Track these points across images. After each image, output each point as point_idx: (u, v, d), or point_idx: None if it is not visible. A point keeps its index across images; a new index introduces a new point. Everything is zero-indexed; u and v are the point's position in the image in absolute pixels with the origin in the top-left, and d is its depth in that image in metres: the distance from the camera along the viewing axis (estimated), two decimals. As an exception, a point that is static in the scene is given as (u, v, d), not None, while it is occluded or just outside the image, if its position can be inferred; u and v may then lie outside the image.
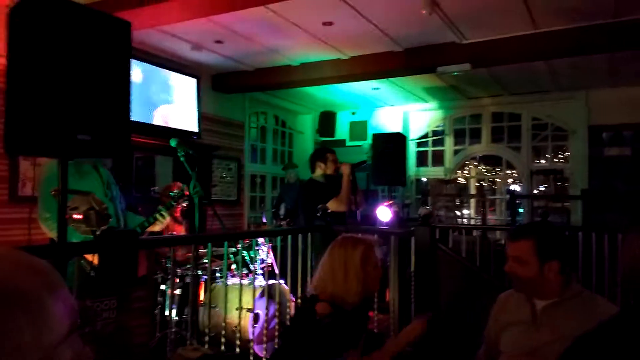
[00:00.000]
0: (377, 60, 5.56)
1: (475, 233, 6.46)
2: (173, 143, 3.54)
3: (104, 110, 2.05)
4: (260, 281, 4.16)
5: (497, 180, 9.73)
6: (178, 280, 3.99)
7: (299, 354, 2.01)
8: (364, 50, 5.45)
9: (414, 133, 8.50)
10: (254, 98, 7.43)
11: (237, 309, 3.25)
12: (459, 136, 8.35)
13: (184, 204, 3.62)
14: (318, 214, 3.50)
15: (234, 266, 4.40)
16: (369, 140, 6.88)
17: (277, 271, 4.44)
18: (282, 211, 6.98)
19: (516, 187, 9.25)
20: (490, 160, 9.84)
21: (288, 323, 3.82)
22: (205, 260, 4.13)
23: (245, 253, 4.37)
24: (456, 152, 8.32)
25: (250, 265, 4.35)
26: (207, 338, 2.76)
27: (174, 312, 3.80)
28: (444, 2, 4.14)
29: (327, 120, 8.71)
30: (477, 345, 2.23)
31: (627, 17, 4.32)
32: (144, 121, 5.19)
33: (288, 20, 4.55)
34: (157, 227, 3.29)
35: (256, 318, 3.86)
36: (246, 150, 7.31)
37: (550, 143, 7.69)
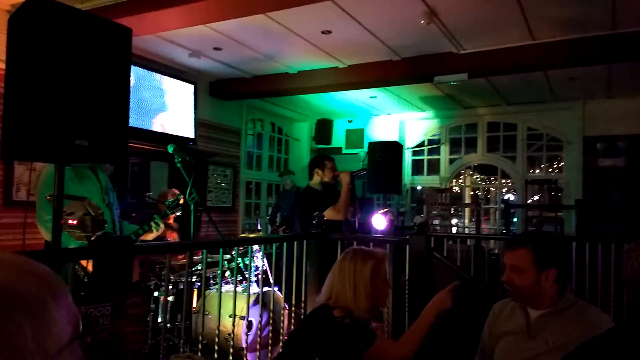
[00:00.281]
0: (374, 69, 5.59)
1: (469, 242, 6.47)
2: (170, 149, 3.53)
3: (102, 115, 2.05)
4: (253, 288, 4.15)
5: (492, 189, 9.77)
6: (171, 287, 3.97)
7: (321, 351, 2.03)
8: (362, 58, 5.47)
9: (410, 141, 8.53)
10: (251, 105, 7.44)
11: (230, 317, 3.24)
12: (454, 145, 8.38)
13: (178, 213, 3.61)
14: (314, 222, 3.50)
15: (227, 273, 4.39)
16: (365, 148, 6.89)
17: (271, 279, 4.44)
18: (278, 218, 6.98)
19: (510, 197, 9.29)
20: (485, 170, 9.89)
21: (284, 330, 3.81)
22: (199, 267, 4.12)
23: (239, 260, 4.36)
24: (452, 161, 8.35)
25: (245, 272, 4.34)
26: (200, 345, 2.74)
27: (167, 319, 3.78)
28: (442, 13, 4.17)
29: (323, 128, 8.73)
30: (472, 355, 2.23)
31: (624, 29, 4.37)
32: (139, 127, 5.19)
33: (287, 28, 4.57)
34: (150, 236, 3.28)
35: (249, 326, 3.84)
36: (242, 157, 7.30)
37: (545, 153, 7.74)
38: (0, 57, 2.19)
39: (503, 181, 8.35)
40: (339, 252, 3.75)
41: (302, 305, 3.49)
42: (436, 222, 8.11)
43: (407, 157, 8.40)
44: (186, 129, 5.86)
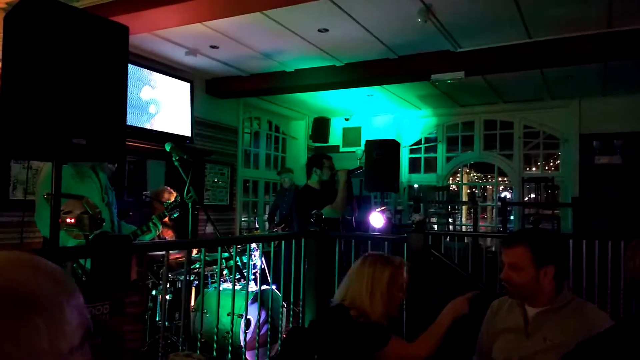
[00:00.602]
0: (371, 67, 5.59)
1: (466, 240, 6.48)
2: (167, 147, 3.53)
3: (100, 114, 2.04)
4: (252, 287, 4.15)
5: (489, 187, 9.79)
6: (169, 286, 3.97)
7: (337, 349, 2.04)
8: (359, 57, 5.47)
9: (407, 140, 8.54)
10: (248, 103, 7.43)
11: (228, 315, 3.24)
12: (451, 143, 8.39)
13: (176, 215, 3.61)
14: (312, 220, 3.50)
15: (225, 271, 4.39)
16: (362, 147, 6.90)
17: (269, 277, 4.44)
18: (276, 216, 6.99)
19: (507, 195, 9.32)
20: (482, 168, 9.91)
21: (282, 328, 3.81)
22: (197, 265, 4.12)
23: (237, 258, 4.36)
24: (448, 159, 8.36)
25: (244, 271, 4.34)
26: (198, 344, 2.74)
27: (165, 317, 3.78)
28: (439, 11, 4.17)
29: (320, 126, 8.73)
30: (470, 353, 2.24)
31: (620, 28, 4.38)
32: (136, 125, 5.18)
33: (284, 26, 4.56)
34: (147, 238, 3.28)
35: (248, 324, 3.84)
36: (239, 155, 7.29)
37: (541, 151, 7.76)
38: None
39: (500, 179, 8.37)
40: (337, 250, 3.77)
41: (300, 303, 3.50)
42: (433, 220, 8.13)
43: (404, 155, 8.41)
44: (183, 128, 5.85)
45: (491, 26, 4.50)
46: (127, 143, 2.26)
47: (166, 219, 4.10)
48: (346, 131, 8.86)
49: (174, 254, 4.14)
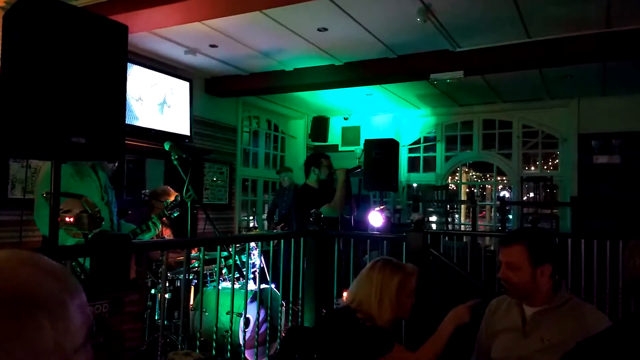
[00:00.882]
0: (370, 67, 5.59)
1: (465, 239, 6.49)
2: (167, 146, 3.52)
3: (99, 112, 2.04)
4: (251, 285, 4.15)
5: (488, 186, 9.79)
6: (168, 285, 3.97)
7: (341, 350, 2.04)
8: (358, 56, 5.47)
9: (406, 139, 8.54)
10: (247, 102, 7.42)
11: (227, 314, 3.24)
12: (450, 142, 8.40)
13: (176, 214, 3.61)
14: (311, 219, 3.51)
15: (225, 270, 4.39)
16: (362, 146, 6.90)
17: (268, 276, 4.44)
18: (275, 216, 6.99)
19: (506, 194, 9.33)
20: (481, 167, 9.93)
21: (281, 327, 3.82)
22: (196, 264, 4.12)
23: (236, 257, 4.36)
24: (447, 158, 8.37)
25: (243, 270, 4.35)
26: (198, 342, 2.75)
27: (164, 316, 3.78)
28: (438, 10, 4.18)
29: (319, 125, 8.73)
30: (469, 352, 2.24)
31: (619, 27, 4.38)
32: (135, 124, 5.17)
33: (283, 25, 4.56)
34: (146, 237, 3.28)
35: (247, 322, 3.85)
36: (238, 154, 7.29)
37: (540, 150, 7.77)
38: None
39: (499, 178, 8.38)
40: (336, 249, 3.77)
41: (299, 302, 3.50)
42: (432, 219, 8.14)
43: (403, 155, 8.42)
44: (182, 127, 5.85)
45: (490, 26, 4.50)
46: (126, 142, 2.26)
47: (164, 218, 4.11)
48: (345, 130, 8.86)
49: (173, 253, 4.15)
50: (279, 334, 3.87)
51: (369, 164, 5.35)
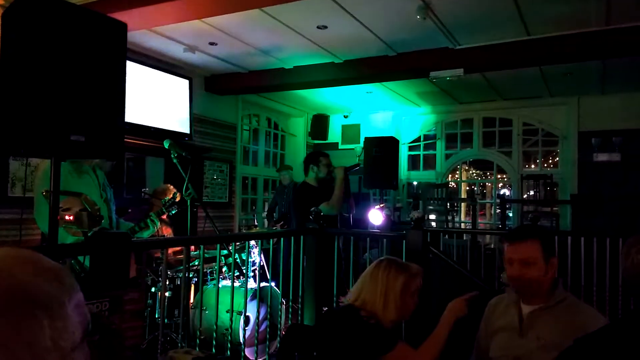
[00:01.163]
0: (370, 64, 5.59)
1: (465, 237, 6.50)
2: (166, 144, 3.52)
3: (98, 110, 2.04)
4: (251, 284, 4.15)
5: (488, 184, 9.79)
6: (168, 283, 3.97)
7: (343, 348, 2.04)
8: (358, 54, 5.47)
9: (406, 137, 8.54)
10: (247, 100, 7.42)
11: (227, 312, 3.24)
12: (450, 140, 8.40)
13: (174, 211, 3.61)
14: (311, 217, 3.50)
15: (225, 268, 4.39)
16: (361, 144, 6.90)
17: (268, 274, 4.45)
18: (275, 214, 6.99)
19: (506, 192, 9.34)
20: (481, 165, 9.92)
21: (281, 325, 3.82)
22: (196, 263, 4.12)
23: (236, 255, 4.37)
24: (447, 156, 8.37)
25: (243, 268, 4.35)
26: (198, 340, 2.75)
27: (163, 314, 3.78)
28: (438, 8, 4.17)
29: (319, 123, 8.72)
30: (469, 350, 2.24)
31: (618, 25, 4.38)
32: (135, 122, 5.17)
33: (282, 23, 4.55)
34: (145, 235, 3.28)
35: (247, 321, 3.85)
36: (238, 152, 7.29)
37: (540, 148, 7.76)
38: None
39: (499, 176, 8.38)
40: (335, 247, 3.77)
41: (299, 300, 3.51)
42: (432, 217, 8.14)
43: (403, 153, 8.41)
44: (181, 125, 5.84)
45: (490, 23, 4.49)
46: (126, 140, 2.25)
47: (165, 216, 4.11)
48: (345, 128, 8.86)
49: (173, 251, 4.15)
50: (279, 332, 3.88)
51: (369, 162, 5.35)
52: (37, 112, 1.86)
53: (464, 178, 9.60)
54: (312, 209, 3.53)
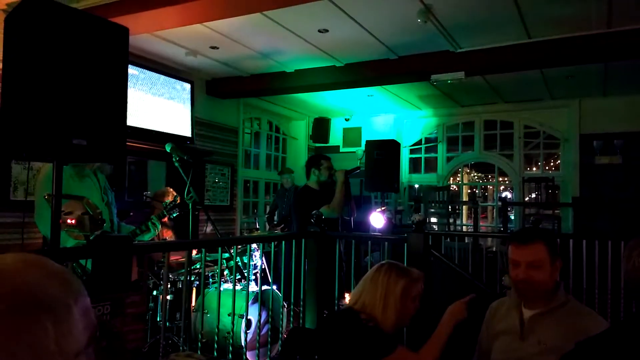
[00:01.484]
0: (371, 68, 5.59)
1: (467, 240, 6.49)
2: (168, 148, 3.53)
3: (100, 114, 2.05)
4: (252, 287, 4.15)
5: (489, 187, 9.78)
6: (170, 286, 3.97)
7: (343, 351, 2.04)
8: (359, 57, 5.48)
9: (408, 140, 8.54)
10: (248, 103, 7.43)
11: (229, 315, 3.24)
12: (451, 143, 8.39)
13: (175, 214, 3.61)
14: (312, 220, 3.51)
15: (226, 272, 4.39)
16: (363, 147, 6.90)
17: (270, 277, 4.44)
18: (275, 217, 6.99)
19: (508, 195, 9.33)
20: (483, 168, 9.92)
21: (282, 328, 3.82)
22: (198, 266, 4.12)
23: (237, 259, 4.37)
24: (449, 159, 8.36)
25: (244, 271, 4.35)
26: (199, 344, 2.75)
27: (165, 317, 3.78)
28: (439, 11, 4.18)
29: (321, 127, 8.73)
30: (471, 353, 2.24)
31: (620, 28, 4.38)
32: (137, 125, 5.18)
33: (283, 26, 4.57)
34: (146, 237, 3.28)
35: (248, 324, 3.85)
36: (240, 156, 7.30)
37: (542, 151, 7.76)
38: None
39: (500, 179, 8.37)
40: (337, 250, 3.77)
41: (301, 303, 3.50)
42: (434, 220, 8.13)
43: (405, 156, 8.42)
44: (183, 128, 5.86)
45: (491, 26, 4.50)
46: (127, 143, 2.26)
47: (166, 219, 4.12)
48: (346, 131, 8.87)
49: (175, 255, 4.15)
50: (280, 336, 3.87)
51: (370, 165, 5.35)
52: (39, 116, 1.87)
53: (465, 181, 9.60)
54: (314, 212, 3.53)
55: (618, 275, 3.50)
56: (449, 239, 6.16)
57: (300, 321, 3.51)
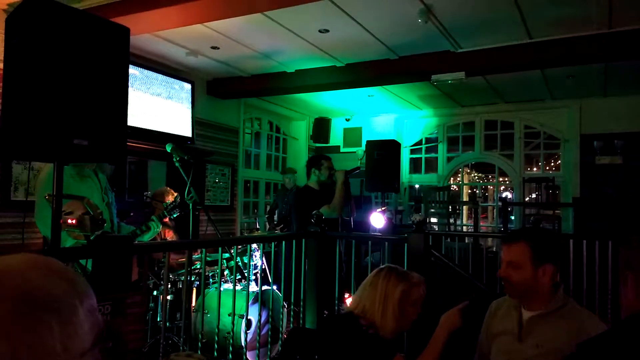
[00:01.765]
0: (372, 68, 5.59)
1: (467, 240, 6.49)
2: (168, 148, 3.53)
3: (101, 114, 2.05)
4: (252, 287, 4.15)
5: (490, 187, 9.77)
6: (170, 286, 3.98)
7: (339, 355, 2.03)
8: (360, 57, 5.48)
9: (408, 140, 8.54)
10: (249, 103, 7.43)
11: (229, 315, 3.24)
12: (452, 143, 8.39)
13: (175, 215, 3.61)
14: (312, 220, 3.51)
15: (226, 272, 4.39)
16: (363, 147, 6.90)
17: (270, 277, 4.45)
18: (275, 217, 6.99)
19: (508, 195, 9.33)
20: (483, 168, 9.91)
21: (282, 328, 3.82)
22: (198, 266, 4.12)
23: (238, 259, 4.37)
24: (449, 159, 8.36)
25: (245, 271, 4.35)
26: (199, 344, 2.75)
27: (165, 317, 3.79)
28: (439, 11, 4.18)
29: (321, 127, 8.74)
30: (471, 353, 2.24)
31: (621, 28, 4.38)
32: (137, 125, 5.18)
33: (284, 27, 4.57)
34: (146, 237, 3.28)
35: (249, 324, 3.85)
36: (240, 156, 7.30)
37: (542, 151, 7.75)
38: (-1, 57, 2.19)
39: (501, 179, 8.37)
40: (337, 250, 3.77)
41: (301, 303, 3.51)
42: (434, 220, 8.13)
43: (405, 156, 8.42)
44: (184, 128, 5.86)
45: (492, 27, 4.50)
46: (128, 143, 2.26)
47: (167, 219, 4.12)
48: (347, 131, 8.87)
49: (175, 255, 4.15)
50: (280, 336, 3.88)
51: (370, 165, 5.35)
52: (40, 116, 1.87)
53: (465, 181, 9.59)
54: (314, 212, 3.53)
55: (618, 275, 3.50)
56: (449, 239, 6.16)
57: (301, 321, 3.52)
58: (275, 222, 6.88)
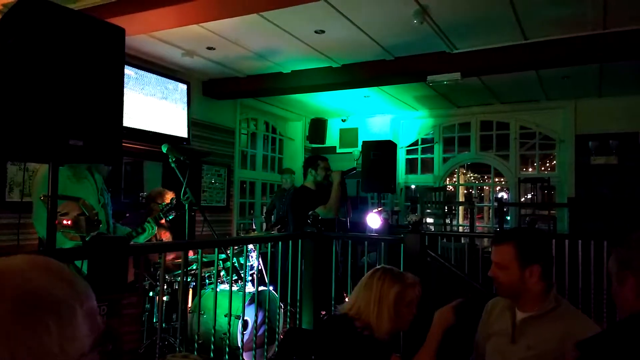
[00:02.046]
0: (368, 69, 5.60)
1: (463, 240, 6.50)
2: (164, 149, 3.53)
3: (97, 115, 2.05)
4: (249, 288, 4.15)
5: (485, 187, 9.80)
6: (166, 287, 3.97)
7: (334, 357, 2.03)
8: (356, 58, 5.48)
9: (404, 140, 8.55)
10: (245, 104, 7.43)
11: (225, 316, 3.24)
12: (448, 144, 8.41)
13: (171, 216, 3.61)
14: (309, 221, 3.51)
15: (223, 272, 4.39)
16: (359, 148, 6.90)
17: (266, 278, 4.44)
18: (273, 217, 6.98)
19: (504, 195, 9.35)
20: (479, 168, 9.94)
21: (279, 329, 3.81)
22: (194, 267, 4.12)
23: (234, 259, 4.36)
24: (445, 159, 8.38)
25: (241, 272, 4.35)
26: (196, 345, 2.75)
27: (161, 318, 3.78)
28: (435, 12, 4.19)
29: (317, 127, 8.74)
30: (469, 353, 2.24)
31: (616, 29, 4.40)
32: (133, 126, 5.17)
33: (280, 27, 4.57)
34: (142, 239, 3.28)
35: (245, 325, 3.84)
36: (236, 157, 7.29)
37: (537, 152, 7.78)
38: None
39: (496, 180, 8.40)
40: (333, 251, 3.78)
41: (297, 304, 3.51)
42: (430, 220, 8.14)
43: (401, 156, 8.43)
44: (179, 129, 5.85)
45: (487, 27, 4.51)
46: (123, 144, 2.26)
47: (162, 221, 4.11)
48: (343, 132, 8.87)
49: (171, 255, 4.14)
50: (277, 336, 3.87)
51: (366, 166, 5.35)
52: (35, 116, 1.86)
53: (461, 181, 9.62)
54: (310, 212, 3.53)
55: (609, 274, 3.51)
56: (445, 240, 6.17)
57: (297, 322, 3.51)
58: (272, 223, 6.88)
